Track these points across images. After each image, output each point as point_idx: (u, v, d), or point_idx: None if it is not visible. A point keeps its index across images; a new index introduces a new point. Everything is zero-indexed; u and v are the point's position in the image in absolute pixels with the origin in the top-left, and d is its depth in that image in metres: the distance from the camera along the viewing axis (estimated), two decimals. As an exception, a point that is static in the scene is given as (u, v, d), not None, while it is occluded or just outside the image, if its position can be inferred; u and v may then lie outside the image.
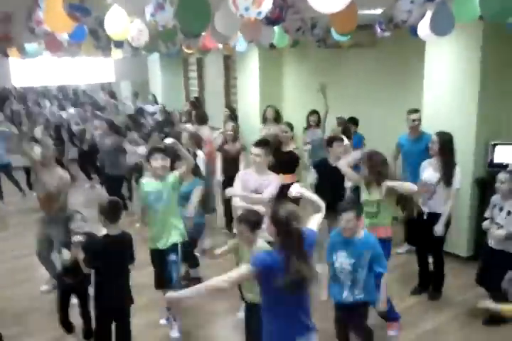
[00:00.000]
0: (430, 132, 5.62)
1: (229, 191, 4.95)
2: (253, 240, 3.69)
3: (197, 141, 6.79)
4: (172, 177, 4.61)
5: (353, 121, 7.40)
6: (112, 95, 13.44)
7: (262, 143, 4.96)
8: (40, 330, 4.86)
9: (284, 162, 6.43)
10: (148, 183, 4.70)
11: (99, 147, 8.64)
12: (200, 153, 6.65)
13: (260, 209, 4.25)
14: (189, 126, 8.01)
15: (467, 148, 5.84)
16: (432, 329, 4.73)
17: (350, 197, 5.20)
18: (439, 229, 4.97)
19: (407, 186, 4.48)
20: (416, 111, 6.03)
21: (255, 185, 4.80)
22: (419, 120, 6.00)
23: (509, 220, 4.38)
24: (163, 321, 5.00)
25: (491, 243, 4.62)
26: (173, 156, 4.78)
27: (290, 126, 7.21)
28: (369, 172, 4.49)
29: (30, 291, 5.73)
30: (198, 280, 5.81)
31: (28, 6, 4.22)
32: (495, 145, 5.82)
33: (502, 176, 4.42)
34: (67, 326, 4.56)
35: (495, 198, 4.60)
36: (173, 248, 4.66)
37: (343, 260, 3.82)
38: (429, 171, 5.09)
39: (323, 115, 7.28)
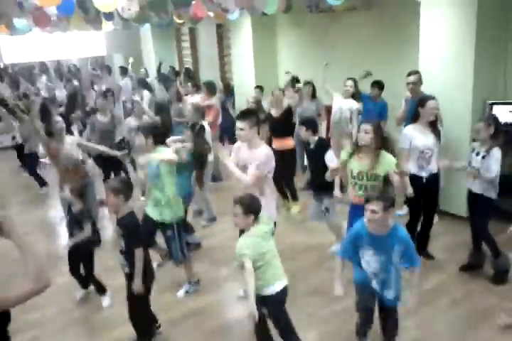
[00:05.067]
0: (428, 92, 5.59)
1: (224, 160, 4.45)
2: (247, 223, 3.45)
3: (202, 112, 6.78)
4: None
5: (378, 84, 6.96)
6: (108, 70, 13.19)
7: (245, 114, 4.30)
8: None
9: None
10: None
11: None
12: (205, 124, 6.66)
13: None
14: (191, 98, 8.13)
15: (465, 107, 5.83)
16: (431, 288, 4.74)
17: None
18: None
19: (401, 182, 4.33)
20: (414, 73, 5.93)
21: (245, 159, 4.33)
22: (416, 82, 5.92)
23: (482, 163, 4.56)
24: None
25: (471, 188, 4.82)
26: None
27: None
28: (375, 140, 4.23)
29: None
30: (198, 245, 5.93)
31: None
32: (492, 104, 5.81)
33: (479, 125, 4.61)
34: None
35: (475, 144, 4.77)
36: (168, 224, 4.73)
37: (370, 259, 3.50)
38: (422, 137, 4.96)
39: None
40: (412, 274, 3.54)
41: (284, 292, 3.52)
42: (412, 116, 5.12)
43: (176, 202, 4.76)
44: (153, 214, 4.76)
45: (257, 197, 3.59)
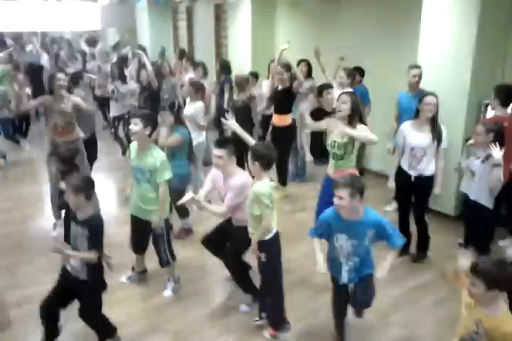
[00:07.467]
0: (423, 88, 5.61)
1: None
2: None
3: (198, 88, 6.69)
4: (159, 158, 4.34)
5: (359, 70, 7.09)
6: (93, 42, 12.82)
7: (223, 142, 4.27)
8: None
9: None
10: (133, 153, 4.51)
11: None
12: (200, 103, 6.61)
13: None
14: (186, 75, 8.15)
15: (460, 106, 5.81)
16: (416, 286, 4.80)
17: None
18: (438, 189, 4.99)
19: (369, 137, 4.59)
20: (417, 66, 5.88)
21: (222, 189, 4.39)
22: (419, 76, 5.86)
23: (482, 167, 4.46)
24: (123, 279, 4.93)
25: (467, 193, 4.72)
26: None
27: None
28: (350, 110, 4.61)
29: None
30: (189, 231, 5.91)
31: None
32: (487, 105, 5.75)
33: (479, 129, 4.45)
34: None
35: (474, 148, 4.62)
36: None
37: (343, 243, 3.56)
38: (416, 134, 4.91)
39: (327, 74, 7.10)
40: (389, 252, 3.60)
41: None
42: (405, 112, 5.23)
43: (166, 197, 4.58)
44: (142, 213, 4.55)
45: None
